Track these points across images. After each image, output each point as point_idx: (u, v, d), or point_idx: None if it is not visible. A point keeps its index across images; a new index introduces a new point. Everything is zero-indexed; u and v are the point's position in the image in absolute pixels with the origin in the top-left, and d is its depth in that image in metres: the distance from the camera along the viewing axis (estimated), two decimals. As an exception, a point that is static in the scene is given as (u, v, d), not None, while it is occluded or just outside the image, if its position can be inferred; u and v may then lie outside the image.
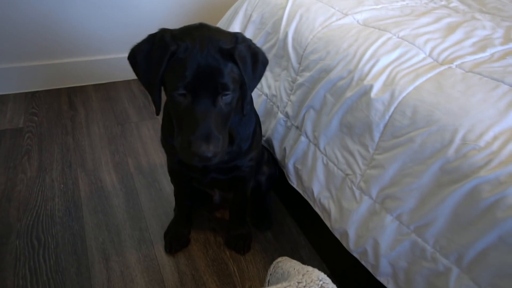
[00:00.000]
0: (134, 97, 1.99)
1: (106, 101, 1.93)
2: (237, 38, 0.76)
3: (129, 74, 2.04)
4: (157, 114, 0.82)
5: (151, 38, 0.76)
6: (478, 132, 0.69)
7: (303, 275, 0.53)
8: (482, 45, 0.92)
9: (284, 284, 0.51)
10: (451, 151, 0.70)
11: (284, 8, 1.24)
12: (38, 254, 1.13)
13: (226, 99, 0.75)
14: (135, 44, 0.79)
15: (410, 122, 0.78)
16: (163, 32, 0.75)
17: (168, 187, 1.41)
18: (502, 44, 0.92)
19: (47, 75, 1.92)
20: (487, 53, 0.89)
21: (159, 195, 1.37)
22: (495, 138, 0.67)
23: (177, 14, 2.03)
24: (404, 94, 0.81)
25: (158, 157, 1.56)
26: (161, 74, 0.72)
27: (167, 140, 0.95)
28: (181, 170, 1.01)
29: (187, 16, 2.05)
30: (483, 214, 0.65)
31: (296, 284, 0.51)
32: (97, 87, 2.05)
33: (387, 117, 0.83)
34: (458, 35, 0.97)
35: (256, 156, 1.03)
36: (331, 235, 0.99)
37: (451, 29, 1.00)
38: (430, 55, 0.90)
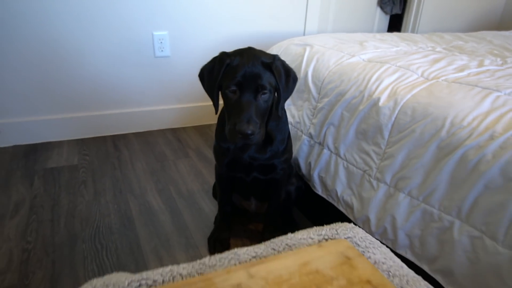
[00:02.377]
0: (170, 142, 2.27)
1: (146, 145, 2.21)
2: (275, 57, 1.03)
3: (164, 124, 2.35)
4: (216, 113, 1.11)
5: (214, 59, 1.05)
6: (461, 117, 0.93)
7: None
8: (461, 68, 1.21)
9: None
10: (443, 133, 0.94)
11: (303, 55, 1.57)
12: (102, 254, 1.31)
13: (264, 97, 0.99)
14: (204, 64, 1.08)
15: (411, 118, 1.04)
16: (222, 53, 1.04)
17: (206, 208, 1.61)
18: (476, 67, 1.21)
19: (95, 124, 2.23)
20: (465, 72, 1.17)
21: (200, 213, 1.57)
22: (473, 119, 0.91)
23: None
24: (404, 100, 1.08)
25: (195, 185, 1.78)
26: (219, 80, 1.00)
27: (219, 143, 1.20)
28: (228, 171, 1.24)
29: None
30: (471, 172, 0.87)
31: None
32: (137, 134, 2.35)
33: (393, 118, 1.08)
34: (442, 63, 1.26)
35: (289, 159, 1.26)
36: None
37: (436, 60, 1.30)
38: (421, 75, 1.18)
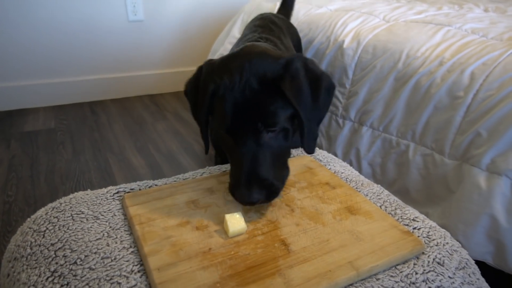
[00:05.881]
0: (147, 106, 2.29)
1: (123, 110, 2.22)
2: (288, 62, 0.64)
3: (141, 90, 2.37)
4: (206, 153, 0.76)
5: (198, 72, 0.71)
6: (415, 49, 1.01)
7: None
8: (419, 12, 1.28)
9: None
10: (400, 65, 1.02)
11: (273, 10, 1.61)
12: (84, 203, 1.35)
13: (271, 137, 0.64)
14: (188, 78, 0.75)
15: (372, 55, 1.10)
16: (206, 66, 0.70)
17: (185, 162, 1.66)
18: (434, 11, 1.29)
19: (71, 90, 2.23)
20: (423, 15, 1.24)
21: (178, 167, 1.63)
22: (426, 50, 0.99)
23: (181, 35, 2.41)
24: (366, 40, 1.14)
25: (174, 143, 1.83)
26: (205, 113, 0.67)
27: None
28: None
29: (191, 34, 2.43)
30: (423, 96, 0.95)
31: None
32: (114, 101, 2.35)
33: (356, 58, 1.15)
34: (402, 9, 1.33)
35: None
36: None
37: (397, 8, 1.37)
38: (383, 19, 1.25)
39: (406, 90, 0.99)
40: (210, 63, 0.69)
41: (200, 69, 0.71)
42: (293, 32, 1.25)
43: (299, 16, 1.47)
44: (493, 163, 0.79)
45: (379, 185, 0.76)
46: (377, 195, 0.72)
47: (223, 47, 1.79)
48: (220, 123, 0.64)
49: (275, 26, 1.09)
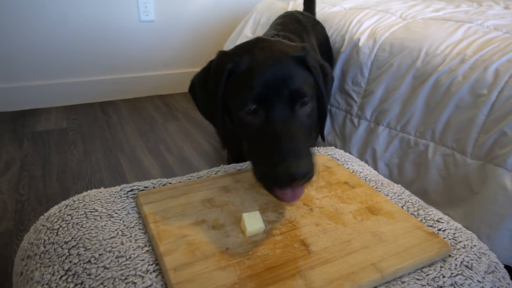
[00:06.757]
0: (158, 107, 2.29)
1: (134, 110, 2.22)
2: (305, 47, 0.65)
3: (152, 90, 2.37)
4: (224, 147, 0.70)
5: (208, 65, 0.67)
6: (435, 46, 0.98)
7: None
8: (438, 9, 1.25)
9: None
10: (419, 63, 0.99)
11: (286, 8, 1.59)
12: (95, 202, 1.34)
13: (305, 110, 0.61)
14: (195, 75, 0.71)
15: (389, 54, 1.08)
16: (219, 54, 0.66)
17: (196, 162, 1.65)
18: (452, 9, 1.25)
19: (82, 90, 2.24)
20: (441, 12, 1.21)
21: (189, 167, 1.61)
22: (446, 47, 0.96)
23: (192, 35, 2.40)
24: (383, 38, 1.12)
25: (185, 144, 1.82)
26: (220, 97, 0.62)
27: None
28: None
29: (202, 34, 2.43)
30: (444, 94, 0.92)
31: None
32: (125, 101, 2.36)
33: (372, 56, 1.13)
34: (420, 7, 1.30)
35: None
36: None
37: (414, 5, 1.34)
38: (400, 17, 1.22)
39: (425, 88, 0.96)
40: (223, 52, 0.66)
41: (210, 62, 0.68)
42: (318, 30, 1.22)
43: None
44: (519, 163, 0.76)
45: (399, 185, 0.73)
46: (398, 195, 0.70)
47: (235, 47, 1.77)
48: (247, 94, 0.59)
49: (298, 24, 1.07)
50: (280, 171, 0.53)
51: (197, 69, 0.73)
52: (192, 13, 2.31)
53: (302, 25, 1.08)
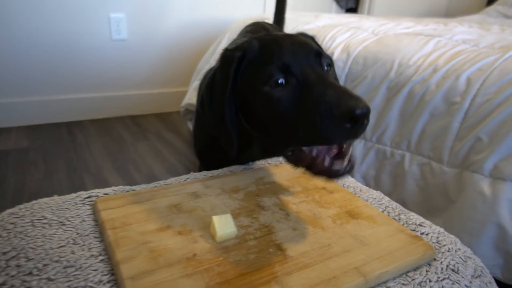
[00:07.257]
0: (128, 127, 2.21)
1: (103, 130, 2.13)
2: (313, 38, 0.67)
3: (122, 110, 2.29)
4: (236, 154, 0.62)
5: (214, 70, 0.63)
6: (407, 58, 0.99)
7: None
8: (407, 27, 1.28)
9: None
10: (392, 74, 0.99)
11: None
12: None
13: (332, 74, 0.60)
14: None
15: (362, 66, 1.08)
16: (223, 50, 0.62)
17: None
18: (421, 27, 1.29)
19: (46, 110, 2.13)
20: (411, 29, 1.24)
21: (159, 186, 1.53)
22: (418, 59, 0.97)
23: (165, 55, 2.37)
24: (356, 52, 1.12)
25: (155, 163, 1.74)
26: (229, 88, 0.57)
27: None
28: None
29: (175, 54, 2.40)
30: (418, 103, 0.91)
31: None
32: (93, 121, 2.26)
33: (346, 69, 1.12)
34: (390, 25, 1.33)
35: None
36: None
37: (384, 24, 1.37)
38: (372, 33, 1.24)
39: (399, 99, 0.95)
40: (226, 47, 0.62)
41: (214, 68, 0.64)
42: None
43: (286, 31, 1.45)
44: (496, 169, 0.75)
45: (378, 191, 0.70)
46: (378, 201, 0.66)
47: (208, 65, 1.75)
48: (271, 65, 0.53)
49: (267, 32, 1.05)
50: (342, 108, 0.45)
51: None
52: (166, 32, 2.29)
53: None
